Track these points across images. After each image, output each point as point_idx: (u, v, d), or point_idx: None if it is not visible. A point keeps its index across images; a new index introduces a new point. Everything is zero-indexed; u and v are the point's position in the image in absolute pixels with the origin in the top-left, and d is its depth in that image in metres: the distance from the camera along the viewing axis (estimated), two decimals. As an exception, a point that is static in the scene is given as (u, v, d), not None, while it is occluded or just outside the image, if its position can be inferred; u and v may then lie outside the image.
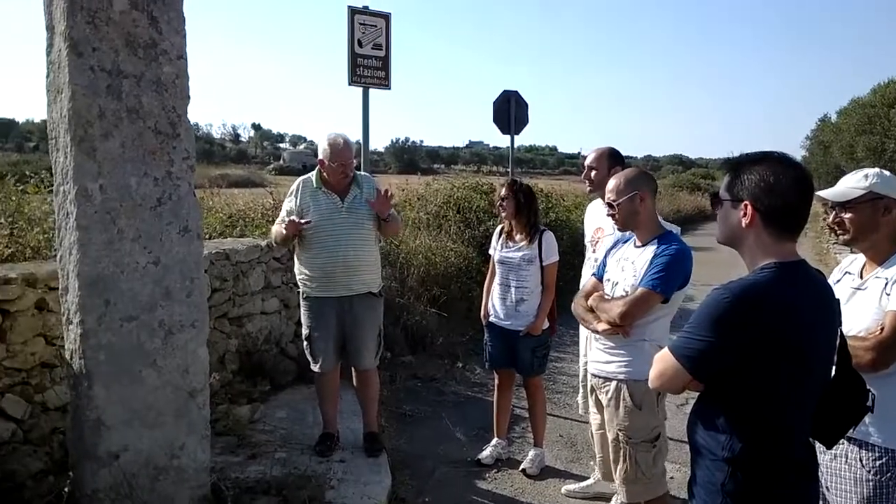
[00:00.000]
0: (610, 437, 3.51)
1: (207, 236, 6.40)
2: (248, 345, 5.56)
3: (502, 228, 4.89)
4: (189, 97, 3.53)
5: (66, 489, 3.13)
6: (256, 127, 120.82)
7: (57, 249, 3.34)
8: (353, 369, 4.69)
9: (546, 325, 4.74)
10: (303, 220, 4.37)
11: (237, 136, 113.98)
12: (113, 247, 3.25)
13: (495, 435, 5.01)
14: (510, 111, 10.90)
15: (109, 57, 3.21)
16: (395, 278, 7.31)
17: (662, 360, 2.11)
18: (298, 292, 4.66)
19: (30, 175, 5.28)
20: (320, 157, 4.55)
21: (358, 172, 4.72)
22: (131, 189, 3.32)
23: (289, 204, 4.55)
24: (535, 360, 4.72)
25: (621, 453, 3.43)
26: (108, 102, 3.24)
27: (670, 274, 3.27)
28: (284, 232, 4.42)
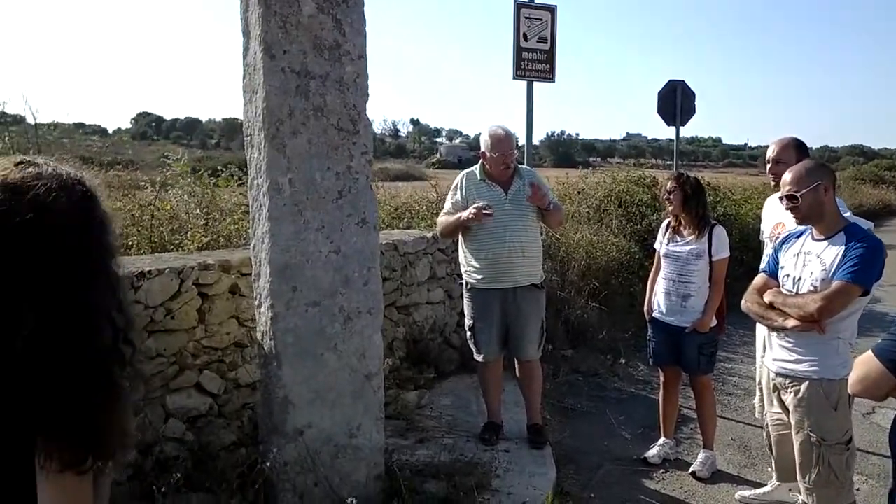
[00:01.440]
0: (799, 440, 3.31)
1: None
2: (415, 333, 5.75)
3: (669, 222, 4.74)
4: (368, 95, 3.69)
5: (259, 461, 3.37)
6: (415, 122, 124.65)
7: (251, 238, 3.61)
8: (515, 360, 4.73)
9: (714, 322, 4.54)
10: (486, 208, 4.40)
11: (396, 131, 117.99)
12: (300, 237, 3.47)
13: (662, 434, 4.86)
14: (676, 101, 10.48)
15: (298, 59, 3.42)
16: (555, 272, 7.28)
17: (865, 364, 1.97)
18: (461, 283, 4.75)
19: (220, 170, 5.75)
20: (482, 149, 4.62)
21: (520, 165, 4.75)
22: (316, 182, 3.52)
23: (454, 196, 4.65)
24: (702, 358, 4.54)
25: (813, 456, 3.23)
26: (297, 102, 3.46)
27: (867, 266, 3.05)
28: (467, 215, 4.41)
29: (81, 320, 1.15)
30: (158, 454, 3.57)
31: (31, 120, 5.26)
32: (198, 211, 4.94)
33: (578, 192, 9.93)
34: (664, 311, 4.62)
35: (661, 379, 4.85)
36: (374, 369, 3.69)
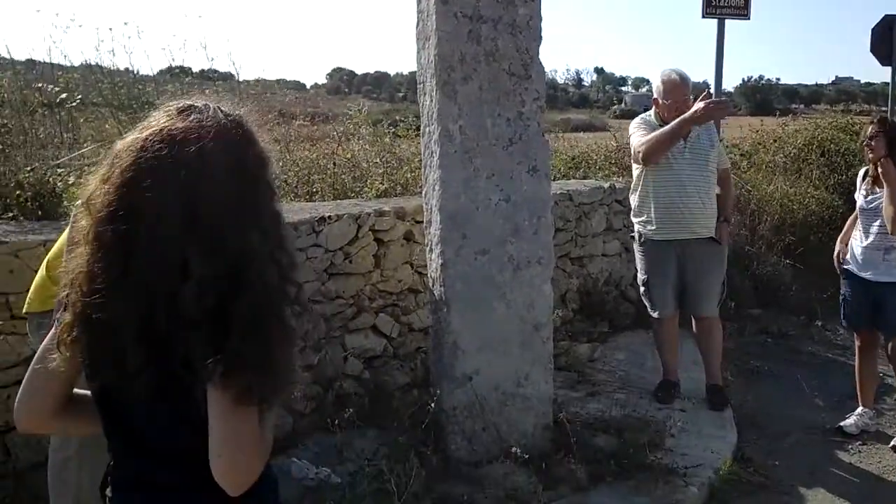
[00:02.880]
0: None
1: (553, 177, 6.58)
2: (589, 285, 5.63)
3: (867, 171, 4.22)
4: (541, 38, 3.58)
5: (429, 403, 3.47)
6: (599, 71, 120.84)
7: (423, 185, 3.66)
8: (692, 317, 4.48)
9: None
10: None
11: (580, 80, 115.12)
12: (470, 184, 3.47)
13: (860, 403, 4.42)
14: (893, 38, 9.28)
15: (470, 2, 3.37)
16: (744, 226, 6.79)
17: None
18: (632, 236, 4.55)
19: (400, 120, 5.89)
20: (654, 95, 4.35)
21: None
22: (486, 129, 3.48)
23: (642, 130, 4.33)
24: None
25: None
26: (469, 47, 3.42)
27: None
28: (692, 113, 4.02)
29: (247, 262, 1.19)
30: (338, 389, 3.78)
31: (236, 76, 5.64)
32: (377, 160, 5.09)
33: (774, 141, 9.15)
34: (860, 263, 4.16)
35: (857, 343, 4.40)
36: (542, 320, 3.65)
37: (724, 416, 4.26)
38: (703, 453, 3.78)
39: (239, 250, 1.19)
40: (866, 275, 4.13)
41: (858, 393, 4.42)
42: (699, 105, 4.04)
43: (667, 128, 4.13)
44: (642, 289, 4.51)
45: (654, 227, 4.30)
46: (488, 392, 3.54)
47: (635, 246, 4.55)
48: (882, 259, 4.08)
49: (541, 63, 3.57)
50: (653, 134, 4.20)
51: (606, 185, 5.81)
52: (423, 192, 3.66)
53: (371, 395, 3.85)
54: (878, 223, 4.07)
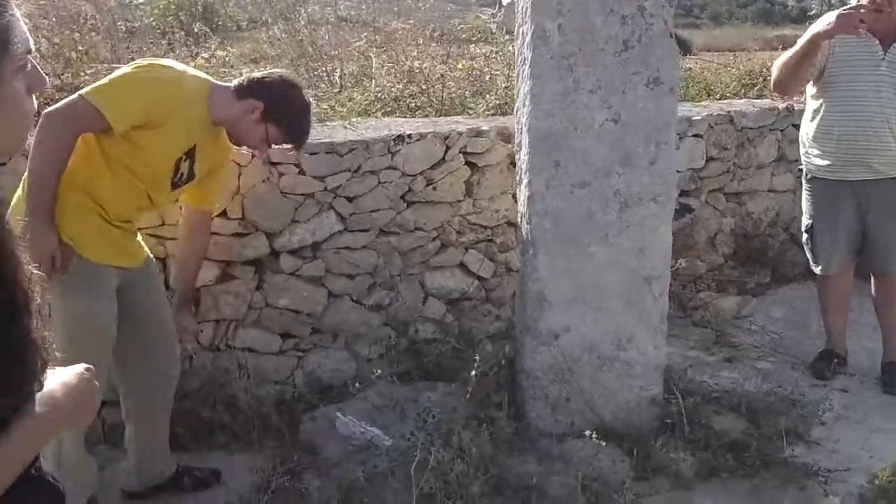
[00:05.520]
0: None
1: (719, 96, 5.56)
2: (748, 226, 4.69)
3: None
4: None
5: (505, 360, 2.95)
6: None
7: (515, 99, 3.02)
8: (871, 275, 3.53)
9: None
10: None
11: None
12: (567, 99, 2.79)
13: None
14: None
15: None
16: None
17: None
18: (800, 169, 3.61)
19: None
20: None
21: None
22: (594, 29, 2.76)
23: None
24: None
25: None
26: (573, -77, 2.68)
27: None
28: (824, 28, 3.13)
29: None
30: (412, 335, 3.34)
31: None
32: (498, 70, 4.46)
33: None
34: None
35: None
36: (656, 271, 2.94)
37: (901, 403, 3.36)
38: (860, 452, 2.96)
39: None
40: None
41: None
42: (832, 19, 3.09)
43: (794, 48, 3.26)
44: (805, 236, 3.60)
45: (824, 163, 3.36)
46: (580, 353, 2.93)
47: (803, 181, 3.62)
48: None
49: (673, -59, 2.75)
50: (783, 56, 3.35)
51: (782, 105, 4.75)
52: (515, 108, 3.03)
53: (453, 343, 3.36)
54: None
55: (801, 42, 3.26)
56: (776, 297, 4.53)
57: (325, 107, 3.68)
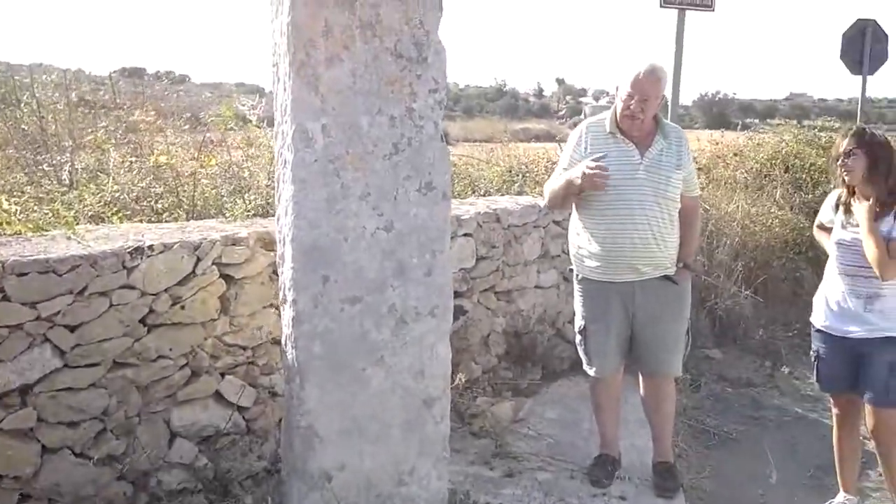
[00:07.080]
0: None
1: (483, 192, 5.64)
2: (518, 324, 4.68)
3: (839, 198, 3.38)
4: (441, 8, 2.62)
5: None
6: (560, 81, 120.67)
7: (276, 206, 2.67)
8: (640, 375, 3.58)
9: None
10: (599, 166, 3.21)
11: (541, 90, 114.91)
12: (335, 206, 2.50)
13: (840, 487, 3.57)
14: (863, 45, 8.66)
15: (335, -50, 2.40)
16: (701, 251, 5.93)
17: None
18: (570, 269, 3.62)
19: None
20: (615, 91, 3.42)
21: (666, 121, 3.51)
22: (361, 131, 2.53)
23: (571, 152, 3.47)
24: (894, 383, 3.20)
25: None
26: (337, 15, 2.46)
27: None
28: (575, 176, 3.24)
29: None
30: (155, 487, 2.75)
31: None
32: (258, 167, 4.09)
33: (735, 154, 8.37)
34: (835, 316, 3.31)
35: (834, 411, 3.54)
36: (436, 391, 2.69)
37: (676, 504, 3.36)
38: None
39: None
40: (848, 331, 3.27)
41: (838, 474, 3.56)
42: (583, 169, 3.23)
43: (560, 184, 3.39)
44: (577, 337, 3.58)
45: (593, 265, 3.38)
46: (357, 494, 2.57)
47: (574, 282, 3.62)
48: (865, 310, 3.23)
49: (440, 42, 2.62)
50: (551, 184, 3.50)
51: (543, 203, 4.87)
52: (276, 217, 2.67)
53: (207, 490, 2.82)
54: (858, 265, 3.22)
55: (562, 182, 3.37)
56: (549, 396, 4.51)
57: (46, 210, 3.06)
